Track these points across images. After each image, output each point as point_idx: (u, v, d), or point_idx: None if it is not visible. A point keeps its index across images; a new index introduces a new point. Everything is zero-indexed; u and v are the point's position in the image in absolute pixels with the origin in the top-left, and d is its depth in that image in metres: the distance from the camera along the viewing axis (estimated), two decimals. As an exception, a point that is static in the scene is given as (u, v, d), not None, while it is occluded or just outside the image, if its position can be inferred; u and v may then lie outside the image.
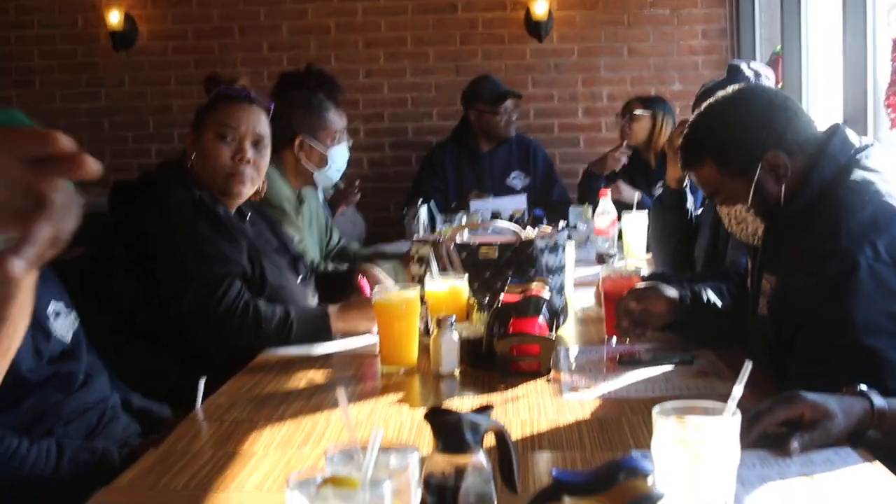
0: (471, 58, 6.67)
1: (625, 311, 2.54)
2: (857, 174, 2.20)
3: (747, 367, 1.36)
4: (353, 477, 1.10)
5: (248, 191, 3.05)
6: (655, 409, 1.32)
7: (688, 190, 3.75)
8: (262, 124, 3.06)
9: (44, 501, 2.05)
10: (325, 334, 2.86)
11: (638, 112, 5.59)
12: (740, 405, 1.85)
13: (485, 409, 1.49)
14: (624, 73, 6.70)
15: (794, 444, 1.75)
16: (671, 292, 2.54)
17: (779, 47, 5.37)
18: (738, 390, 1.33)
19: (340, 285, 3.36)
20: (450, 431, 1.42)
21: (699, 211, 3.82)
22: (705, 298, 2.55)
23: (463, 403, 2.18)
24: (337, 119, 3.99)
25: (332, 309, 2.91)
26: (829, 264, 2.09)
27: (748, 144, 2.28)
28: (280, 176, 3.86)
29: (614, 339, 2.69)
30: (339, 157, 3.99)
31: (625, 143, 5.61)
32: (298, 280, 3.17)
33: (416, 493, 1.21)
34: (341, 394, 1.24)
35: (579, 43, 6.68)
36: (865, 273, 2.03)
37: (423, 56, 6.71)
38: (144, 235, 2.88)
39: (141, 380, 2.69)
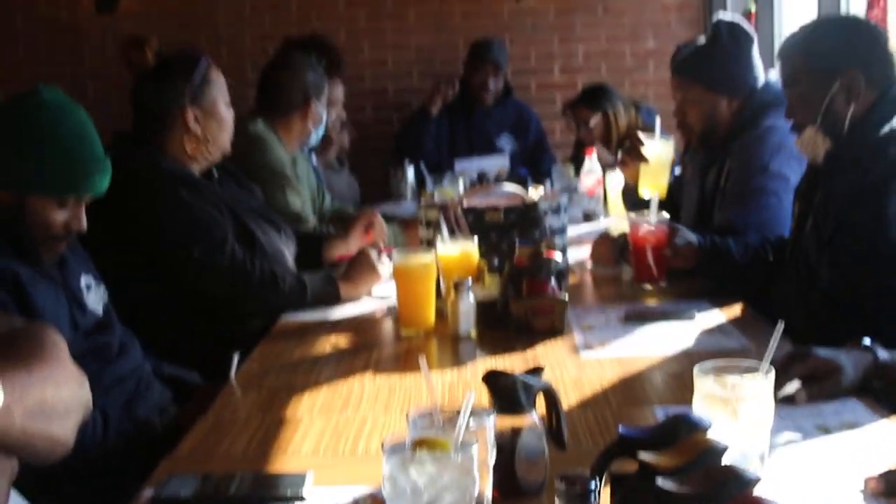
0: (450, 18, 6.72)
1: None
2: None
3: (779, 327, 1.47)
4: (443, 438, 1.21)
5: None
6: (696, 369, 1.43)
7: None
8: None
9: (92, 471, 2.14)
10: (335, 298, 2.97)
11: (592, 122, 5.33)
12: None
13: (535, 371, 1.61)
14: (599, 31, 6.77)
15: (802, 394, 1.89)
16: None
17: (752, 5, 5.46)
18: (772, 348, 1.44)
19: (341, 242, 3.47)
20: (506, 393, 1.54)
21: (678, 172, 3.89)
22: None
23: (486, 363, 2.30)
24: (326, 79, 4.10)
25: (337, 273, 3.03)
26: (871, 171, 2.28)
27: (834, 53, 2.43)
28: (278, 140, 3.90)
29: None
30: (325, 115, 4.09)
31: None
32: (281, 237, 3.20)
33: (493, 453, 1.32)
34: (423, 362, 1.35)
35: (556, 2, 6.74)
36: None
37: (404, 16, 6.75)
38: (133, 217, 2.87)
39: (166, 351, 2.75)
